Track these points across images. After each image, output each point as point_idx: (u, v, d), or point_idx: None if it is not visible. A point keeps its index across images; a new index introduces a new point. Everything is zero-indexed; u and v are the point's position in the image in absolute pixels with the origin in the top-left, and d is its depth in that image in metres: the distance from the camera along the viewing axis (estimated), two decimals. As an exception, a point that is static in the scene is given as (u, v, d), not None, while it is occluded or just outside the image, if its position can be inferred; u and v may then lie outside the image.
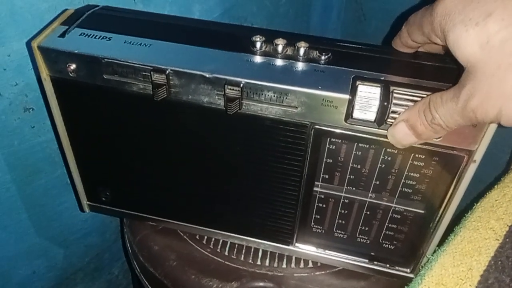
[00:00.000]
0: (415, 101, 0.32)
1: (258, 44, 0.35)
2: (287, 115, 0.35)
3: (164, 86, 0.35)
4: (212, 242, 0.49)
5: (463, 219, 0.41)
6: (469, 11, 0.27)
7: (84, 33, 0.37)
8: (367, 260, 0.45)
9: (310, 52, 0.35)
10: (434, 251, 0.40)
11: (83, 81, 0.37)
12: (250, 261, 0.47)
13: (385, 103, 0.32)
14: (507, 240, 0.36)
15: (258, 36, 0.36)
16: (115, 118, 0.40)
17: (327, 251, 0.45)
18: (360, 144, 0.36)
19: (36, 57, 0.36)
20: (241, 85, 0.34)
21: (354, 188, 0.40)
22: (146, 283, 0.50)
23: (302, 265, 0.47)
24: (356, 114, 0.33)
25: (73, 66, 0.36)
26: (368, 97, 0.33)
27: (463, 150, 0.34)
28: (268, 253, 0.48)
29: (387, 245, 0.43)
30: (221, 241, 0.49)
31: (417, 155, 0.36)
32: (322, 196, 0.41)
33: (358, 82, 0.33)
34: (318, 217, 0.43)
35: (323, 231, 0.44)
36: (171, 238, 0.49)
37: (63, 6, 0.42)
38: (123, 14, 0.41)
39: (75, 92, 0.38)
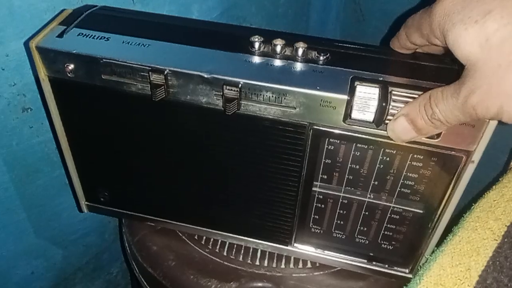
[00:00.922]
0: (414, 102, 0.32)
1: (256, 45, 0.35)
2: (286, 115, 0.35)
3: (163, 87, 0.35)
4: (210, 242, 0.49)
5: (462, 219, 0.41)
6: (468, 11, 0.27)
7: (82, 33, 0.37)
8: (365, 261, 0.45)
9: (309, 53, 0.35)
10: (433, 251, 0.40)
11: (81, 81, 0.37)
12: (249, 261, 0.47)
13: (384, 104, 0.32)
14: (506, 240, 0.37)
15: (257, 36, 0.36)
16: (113, 118, 0.40)
17: (325, 251, 0.45)
18: (358, 145, 0.36)
19: (34, 57, 0.36)
20: (240, 85, 0.34)
21: (352, 189, 0.39)
22: (145, 283, 0.50)
23: (300, 265, 0.47)
24: (355, 114, 0.33)
25: (71, 66, 0.36)
26: (366, 97, 0.32)
27: (461, 150, 0.34)
28: (267, 253, 0.48)
29: (385, 246, 0.43)
30: (219, 241, 0.49)
31: (415, 156, 0.36)
32: (321, 197, 0.41)
33: (356, 83, 0.33)
34: (317, 217, 0.43)
35: (321, 231, 0.44)
36: (170, 238, 0.49)
37: (62, 6, 0.42)
38: (122, 14, 0.41)
39: (73, 92, 0.38)
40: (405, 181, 0.38)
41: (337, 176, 0.39)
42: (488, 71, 0.27)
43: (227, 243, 0.48)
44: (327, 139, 0.36)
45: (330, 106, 0.33)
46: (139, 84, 0.36)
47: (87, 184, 0.47)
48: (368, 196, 0.40)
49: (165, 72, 0.34)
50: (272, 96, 0.34)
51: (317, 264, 0.47)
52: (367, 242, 0.43)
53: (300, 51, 0.35)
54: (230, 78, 0.34)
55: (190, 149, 0.40)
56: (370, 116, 0.33)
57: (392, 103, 0.32)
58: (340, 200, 0.41)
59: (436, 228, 0.39)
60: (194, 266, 0.46)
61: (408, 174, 0.37)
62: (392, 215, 0.40)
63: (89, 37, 0.36)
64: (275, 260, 0.47)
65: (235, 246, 0.48)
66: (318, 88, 0.33)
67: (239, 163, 0.40)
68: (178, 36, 0.37)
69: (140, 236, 0.50)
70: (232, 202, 0.44)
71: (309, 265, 0.47)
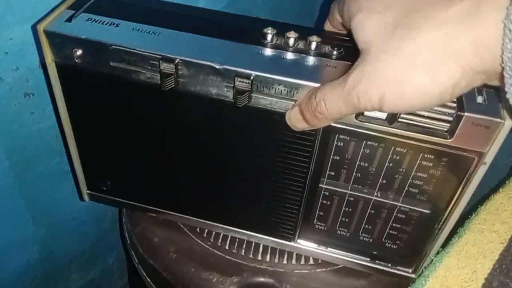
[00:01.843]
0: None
1: (269, 37, 0.35)
2: (297, 110, 0.34)
3: (173, 76, 0.34)
4: (212, 236, 0.48)
5: (467, 221, 0.41)
6: (374, 1, 0.28)
7: (91, 19, 0.36)
8: (368, 259, 0.44)
9: (322, 47, 0.35)
10: (438, 253, 0.40)
11: (89, 68, 0.36)
12: (251, 256, 0.47)
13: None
14: (513, 243, 0.36)
15: (269, 28, 0.35)
16: (120, 106, 0.39)
17: (328, 248, 0.45)
18: (368, 142, 0.36)
19: (42, 41, 0.35)
20: (252, 77, 0.33)
21: (360, 186, 0.39)
22: (145, 274, 0.50)
23: (303, 261, 0.47)
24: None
25: (79, 52, 0.35)
26: (381, 94, 0.32)
27: (474, 151, 0.34)
28: (269, 248, 0.47)
29: (390, 245, 0.43)
30: (221, 234, 0.48)
31: (426, 155, 0.35)
32: (327, 193, 0.40)
33: (371, 79, 0.32)
34: (322, 214, 0.42)
35: (325, 228, 0.43)
36: (172, 230, 0.49)
37: (69, -10, 0.41)
38: (132, 0, 0.40)
39: (80, 79, 0.38)
40: (414, 181, 0.37)
41: (345, 173, 0.38)
42: (377, 57, 0.27)
43: (229, 236, 0.48)
44: (337, 135, 0.36)
45: (343, 102, 0.33)
46: (148, 72, 0.35)
47: (89, 173, 0.46)
48: (375, 194, 0.39)
49: (176, 61, 0.34)
50: (284, 90, 0.33)
51: (320, 261, 0.47)
52: (371, 240, 0.43)
53: (313, 45, 0.34)
54: (242, 70, 0.33)
55: (196, 141, 0.40)
56: (383, 114, 0.33)
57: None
58: (347, 198, 0.40)
59: (443, 229, 0.39)
60: (195, 259, 0.46)
61: (417, 173, 0.37)
62: (398, 215, 0.40)
63: (99, 23, 0.36)
64: (277, 256, 0.47)
65: (238, 240, 0.48)
66: (331, 83, 0.32)
67: (246, 156, 0.39)
68: (189, 25, 0.36)
69: (141, 227, 0.49)
70: (237, 196, 0.43)
71: (311, 261, 0.47)
